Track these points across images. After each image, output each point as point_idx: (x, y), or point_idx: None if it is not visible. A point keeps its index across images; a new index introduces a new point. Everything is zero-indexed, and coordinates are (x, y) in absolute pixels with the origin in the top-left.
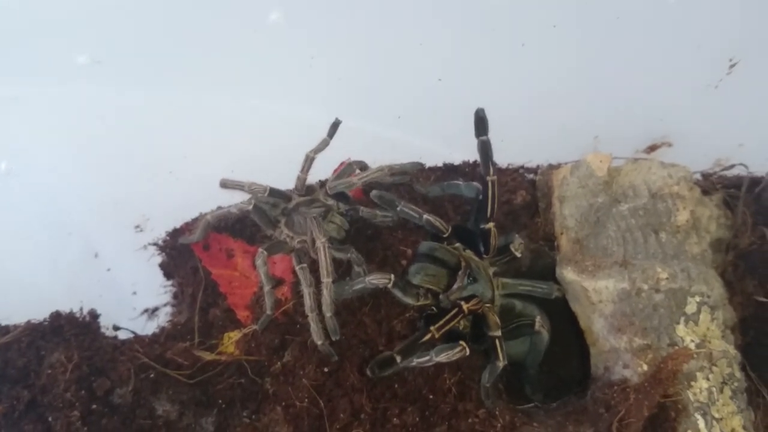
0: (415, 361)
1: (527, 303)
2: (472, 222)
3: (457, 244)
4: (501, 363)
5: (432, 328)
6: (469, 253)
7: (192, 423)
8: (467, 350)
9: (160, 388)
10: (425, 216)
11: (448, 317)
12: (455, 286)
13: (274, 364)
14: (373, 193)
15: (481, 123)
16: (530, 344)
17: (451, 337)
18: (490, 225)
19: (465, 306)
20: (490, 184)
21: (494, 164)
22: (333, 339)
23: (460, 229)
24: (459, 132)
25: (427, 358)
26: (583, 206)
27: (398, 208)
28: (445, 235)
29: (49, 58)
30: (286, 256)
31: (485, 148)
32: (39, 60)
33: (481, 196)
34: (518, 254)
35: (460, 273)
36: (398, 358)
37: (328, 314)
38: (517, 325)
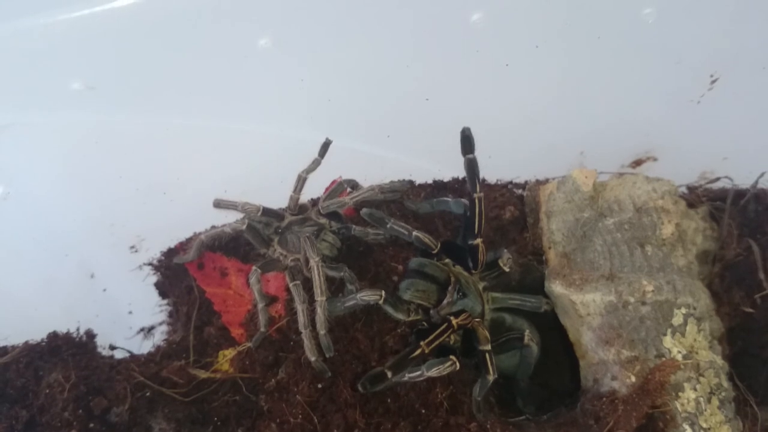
0: (407, 376)
1: (517, 317)
2: (461, 238)
3: (447, 260)
4: (491, 377)
5: (422, 343)
6: (458, 268)
7: None
8: (457, 365)
9: (156, 406)
10: (414, 233)
11: (437, 332)
12: (445, 301)
13: (268, 381)
14: (363, 211)
15: (467, 141)
16: (520, 357)
17: (441, 352)
18: (478, 241)
19: (454, 321)
20: (477, 201)
21: (481, 181)
22: (327, 355)
23: (449, 245)
24: (447, 149)
25: (418, 372)
26: (569, 221)
27: (388, 226)
28: (434, 251)
29: (43, 84)
30: (279, 274)
31: (472, 166)
32: (34, 86)
33: (468, 213)
34: (506, 269)
35: (449, 288)
36: (389, 374)
37: (322, 332)
38: (506, 339)
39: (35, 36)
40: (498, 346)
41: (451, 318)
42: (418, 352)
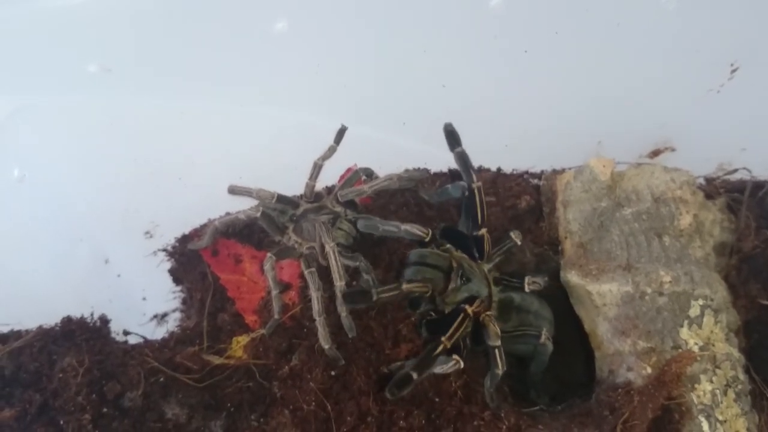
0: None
1: (526, 295)
2: (461, 223)
3: (448, 246)
4: (500, 371)
5: (443, 338)
6: (459, 253)
7: (201, 426)
8: (461, 364)
9: (170, 391)
10: (403, 227)
11: (456, 324)
12: (450, 288)
13: (281, 368)
14: (360, 223)
15: (451, 137)
16: (535, 353)
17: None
18: (483, 231)
19: (469, 309)
20: (476, 191)
21: (476, 171)
22: (349, 335)
23: (450, 231)
24: (463, 138)
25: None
26: (586, 210)
27: (380, 229)
28: (427, 240)
29: (60, 67)
30: (293, 261)
31: (463, 158)
32: (50, 69)
33: (467, 193)
34: (518, 241)
35: (452, 275)
36: (414, 375)
37: (343, 313)
38: (522, 333)
39: (52, 18)
40: (512, 338)
41: (466, 307)
42: (440, 348)
